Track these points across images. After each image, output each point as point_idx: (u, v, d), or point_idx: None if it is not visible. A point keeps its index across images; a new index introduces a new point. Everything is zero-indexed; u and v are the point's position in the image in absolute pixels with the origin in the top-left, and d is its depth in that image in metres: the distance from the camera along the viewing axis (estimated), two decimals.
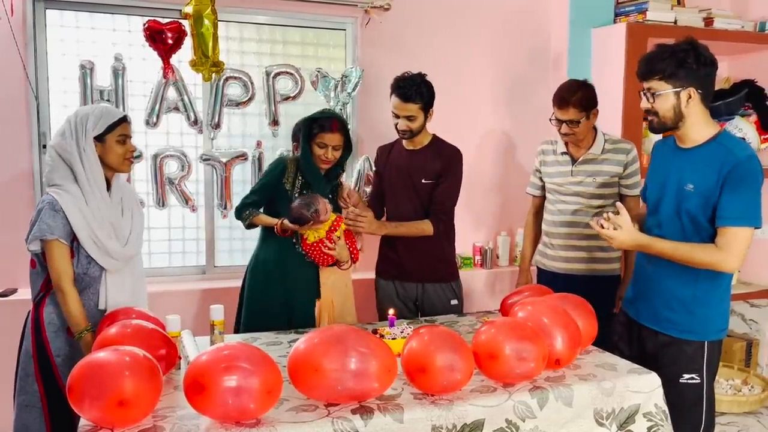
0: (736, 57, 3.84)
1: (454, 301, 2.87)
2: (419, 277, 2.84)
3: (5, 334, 2.51)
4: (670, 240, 2.11)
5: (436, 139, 2.84)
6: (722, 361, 3.73)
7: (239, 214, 2.68)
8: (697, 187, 2.07)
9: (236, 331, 2.71)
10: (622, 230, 2.11)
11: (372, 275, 3.02)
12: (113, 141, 2.19)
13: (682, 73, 2.03)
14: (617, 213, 2.14)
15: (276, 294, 2.64)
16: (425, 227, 2.76)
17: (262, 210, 2.69)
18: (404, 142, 2.84)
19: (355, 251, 2.74)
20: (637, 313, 2.32)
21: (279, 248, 2.66)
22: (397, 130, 2.78)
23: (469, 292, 3.57)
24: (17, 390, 2.17)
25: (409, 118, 2.71)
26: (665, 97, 2.06)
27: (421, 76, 2.72)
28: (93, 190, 2.14)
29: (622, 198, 2.76)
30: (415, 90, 2.67)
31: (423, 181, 2.78)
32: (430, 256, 2.82)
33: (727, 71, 3.89)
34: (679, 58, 2.02)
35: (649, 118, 2.14)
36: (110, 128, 2.18)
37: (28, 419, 2.13)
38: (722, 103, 3.64)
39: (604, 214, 2.16)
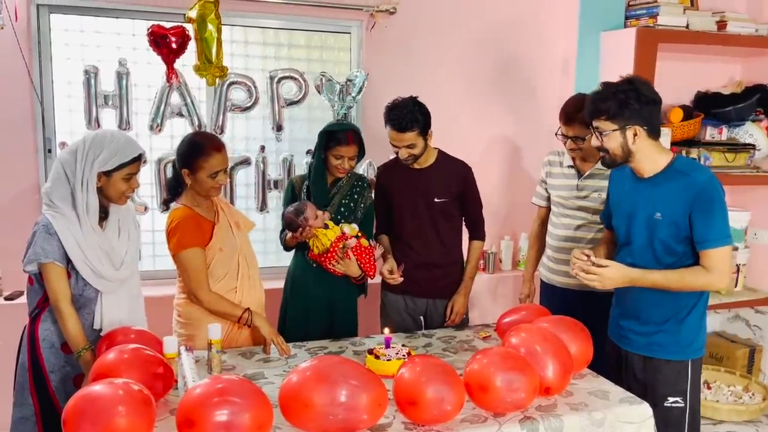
0: (749, 60, 3.77)
1: None
2: (430, 293, 2.84)
3: (14, 336, 2.53)
4: (656, 270, 2.13)
5: (441, 156, 2.81)
6: (725, 367, 3.75)
7: (283, 245, 2.80)
8: (665, 215, 2.12)
9: (281, 325, 2.81)
10: (609, 268, 2.10)
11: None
12: (119, 178, 2.14)
13: (625, 113, 2.07)
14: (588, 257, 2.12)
15: (314, 296, 2.74)
16: (478, 246, 2.90)
17: None
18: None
19: (370, 268, 2.70)
20: (625, 341, 2.32)
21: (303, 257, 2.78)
22: (400, 159, 2.72)
23: (472, 297, 3.57)
24: (14, 401, 2.20)
25: (410, 147, 2.65)
26: (612, 136, 2.10)
27: (412, 100, 2.64)
28: (85, 220, 2.11)
29: None
30: (409, 118, 2.58)
31: (435, 200, 2.75)
32: (442, 273, 2.82)
33: (740, 75, 3.82)
34: (620, 99, 2.06)
35: (601, 154, 2.19)
36: (121, 166, 2.14)
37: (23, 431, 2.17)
38: (732, 109, 3.59)
39: (585, 257, 2.13)
